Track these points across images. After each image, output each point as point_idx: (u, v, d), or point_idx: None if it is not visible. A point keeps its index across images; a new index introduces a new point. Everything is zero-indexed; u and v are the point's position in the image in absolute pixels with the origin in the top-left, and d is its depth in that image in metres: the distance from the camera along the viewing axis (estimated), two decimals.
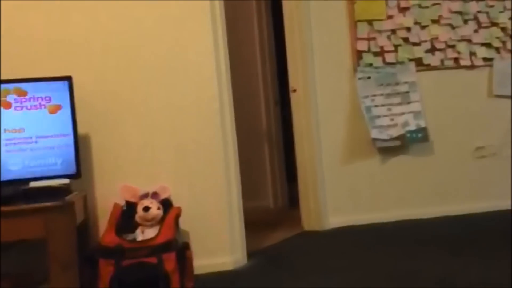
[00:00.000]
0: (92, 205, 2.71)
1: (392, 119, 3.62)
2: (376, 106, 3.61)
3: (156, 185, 2.66)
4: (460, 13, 3.65)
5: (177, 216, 2.62)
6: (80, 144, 2.52)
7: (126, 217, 2.58)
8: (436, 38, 3.64)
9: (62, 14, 2.72)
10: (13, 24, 2.66)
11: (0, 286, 2.47)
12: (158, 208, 2.55)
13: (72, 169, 2.45)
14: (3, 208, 2.18)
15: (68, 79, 2.47)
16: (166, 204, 2.62)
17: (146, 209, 2.51)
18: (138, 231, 2.54)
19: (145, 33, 2.79)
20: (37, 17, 2.70)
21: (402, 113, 3.62)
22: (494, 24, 3.67)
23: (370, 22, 3.59)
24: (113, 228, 2.48)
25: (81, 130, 2.56)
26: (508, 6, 3.67)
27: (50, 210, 2.20)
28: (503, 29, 3.68)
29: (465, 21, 3.66)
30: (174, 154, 2.80)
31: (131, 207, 2.59)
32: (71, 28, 2.73)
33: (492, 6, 3.66)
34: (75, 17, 2.73)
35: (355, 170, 3.64)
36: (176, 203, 2.69)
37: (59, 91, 2.48)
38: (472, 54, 3.67)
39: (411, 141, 3.63)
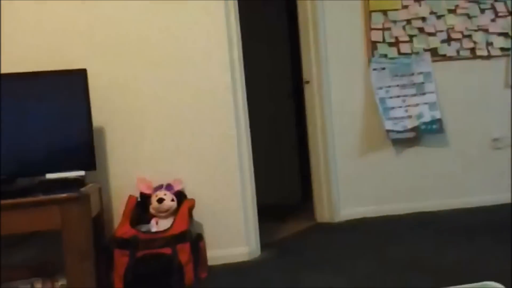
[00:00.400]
0: (107, 197, 2.73)
1: (406, 111, 3.58)
2: (391, 97, 3.58)
3: (170, 178, 2.67)
4: (476, 2, 3.59)
5: (191, 207, 2.64)
6: (95, 136, 2.54)
7: (141, 209, 2.61)
8: (452, 28, 3.59)
9: (78, 6, 2.73)
10: (27, 15, 2.68)
11: None
12: (172, 200, 2.57)
13: (87, 162, 2.48)
14: (20, 200, 2.22)
15: (83, 72, 2.49)
16: (180, 196, 2.64)
17: (160, 200, 2.53)
18: (153, 222, 2.56)
19: (160, 25, 2.79)
20: (53, 8, 2.71)
21: (417, 104, 3.59)
22: (511, 13, 3.61)
23: (385, 12, 3.55)
24: (128, 219, 2.51)
25: (96, 122, 2.58)
26: None
27: (66, 202, 2.22)
28: None
29: (482, 11, 3.60)
30: (188, 146, 2.81)
31: (145, 198, 2.61)
32: (87, 20, 2.74)
33: None
34: (91, 9, 2.74)
35: (369, 162, 3.62)
36: (190, 195, 2.71)
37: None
38: (489, 44, 3.62)
39: (425, 133, 3.59)
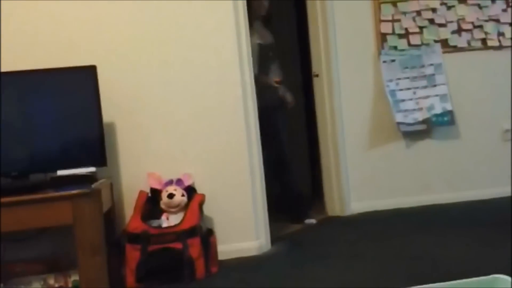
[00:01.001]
0: (118, 192, 2.75)
1: (417, 103, 3.56)
2: (401, 89, 3.56)
3: (181, 173, 2.69)
4: None
5: (201, 202, 2.65)
6: (106, 133, 2.55)
7: (152, 204, 2.63)
8: (463, 19, 3.55)
9: (86, 5, 2.75)
10: (37, 14, 2.70)
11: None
12: (182, 195, 2.59)
13: (98, 158, 2.50)
14: (32, 196, 2.25)
15: (93, 68, 2.50)
16: (190, 191, 2.66)
17: (171, 196, 2.55)
18: (163, 217, 2.58)
19: (169, 23, 2.79)
20: (63, 6, 2.72)
21: (428, 96, 3.56)
22: None
23: (394, 4, 3.52)
24: (139, 214, 2.53)
25: (106, 118, 2.59)
26: None
27: (77, 197, 2.25)
28: None
29: (493, 0, 3.55)
30: (198, 142, 2.82)
31: (156, 194, 2.63)
32: (97, 18, 2.75)
33: None
34: (100, 8, 2.75)
35: (379, 155, 3.61)
36: (200, 190, 2.72)
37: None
38: (500, 34, 3.57)
39: (437, 125, 3.57)
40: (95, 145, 2.50)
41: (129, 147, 2.78)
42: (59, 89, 2.53)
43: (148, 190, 2.66)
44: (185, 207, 2.58)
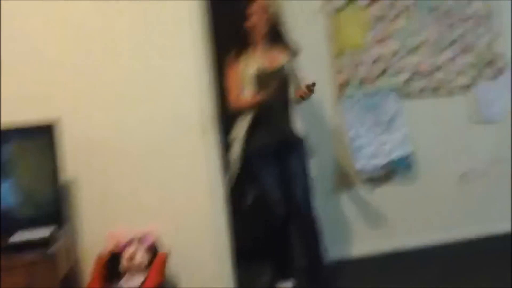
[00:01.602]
0: (79, 251, 2.66)
1: (378, 148, 3.63)
2: (361, 136, 3.63)
3: (144, 227, 2.63)
4: (438, 41, 3.70)
5: (164, 261, 2.59)
6: (65, 191, 2.49)
7: (113, 265, 2.54)
8: (417, 66, 3.68)
9: (47, 55, 2.72)
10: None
11: None
12: (144, 255, 2.52)
13: (56, 218, 2.42)
14: None
15: (51, 126, 2.46)
16: (153, 249, 2.59)
17: (131, 258, 2.48)
18: (125, 278, 2.50)
19: (130, 79, 2.80)
20: (24, 59, 2.69)
21: (387, 142, 3.64)
22: (472, 50, 3.72)
23: (351, 53, 3.62)
24: (97, 279, 2.44)
25: (66, 176, 2.53)
26: (485, 33, 3.74)
27: (32, 264, 2.16)
28: (481, 55, 3.73)
29: (444, 49, 3.71)
30: (160, 196, 2.78)
31: (116, 255, 2.55)
32: (58, 71, 2.73)
33: (469, 33, 3.72)
34: (60, 61, 2.74)
35: (344, 200, 3.63)
36: (166, 242, 2.66)
37: None
38: (453, 80, 3.71)
39: (398, 169, 3.64)
40: (53, 204, 2.43)
41: (91, 204, 2.72)
42: (16, 146, 2.46)
43: (107, 252, 2.58)
44: (148, 267, 2.51)
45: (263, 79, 2.73)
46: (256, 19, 2.77)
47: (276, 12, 2.91)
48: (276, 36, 2.84)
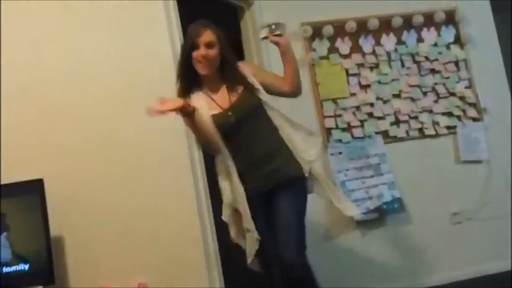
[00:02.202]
0: None
1: (367, 192, 3.66)
2: (350, 180, 3.66)
3: (136, 278, 2.59)
4: (418, 86, 3.82)
5: None
6: (53, 247, 2.46)
7: None
8: (399, 111, 3.78)
9: (30, 115, 2.76)
10: None
11: None
12: None
13: (45, 275, 2.38)
14: None
15: (39, 182, 2.46)
16: None
17: None
18: None
19: (112, 132, 2.83)
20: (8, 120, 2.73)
21: (376, 185, 3.67)
22: (452, 94, 3.85)
23: (334, 100, 3.72)
24: None
25: (54, 233, 2.51)
26: (463, 77, 3.88)
27: None
28: (461, 98, 3.85)
29: (425, 93, 3.83)
30: (149, 248, 2.75)
31: None
32: (44, 130, 2.76)
33: (448, 78, 3.86)
34: (45, 122, 2.77)
35: (336, 246, 3.61)
36: None
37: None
38: (435, 123, 3.81)
39: (388, 212, 3.65)
40: (42, 261, 2.39)
41: (79, 261, 2.67)
42: (3, 204, 2.45)
43: None
44: None
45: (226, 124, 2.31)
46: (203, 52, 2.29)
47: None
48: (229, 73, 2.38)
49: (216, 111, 2.33)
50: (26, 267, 2.39)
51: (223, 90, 2.38)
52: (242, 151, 2.34)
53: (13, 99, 2.73)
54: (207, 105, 2.33)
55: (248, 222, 2.30)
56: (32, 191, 2.45)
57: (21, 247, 2.41)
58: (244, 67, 2.44)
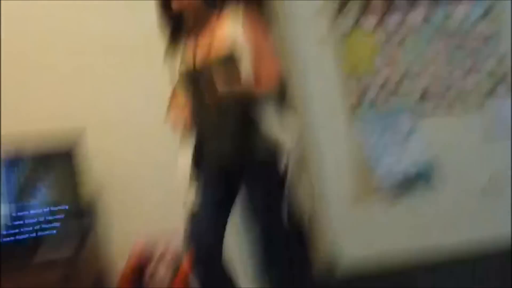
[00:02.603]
0: (106, 262, 2.78)
1: (396, 161, 3.67)
2: (378, 151, 3.68)
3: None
4: (449, 61, 3.76)
5: (186, 279, 2.61)
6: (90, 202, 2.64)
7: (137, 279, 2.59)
8: (428, 86, 3.74)
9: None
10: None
11: None
12: (166, 271, 2.60)
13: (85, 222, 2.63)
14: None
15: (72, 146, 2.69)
16: (176, 263, 2.64)
17: (152, 276, 2.59)
18: None
19: None
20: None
21: (405, 156, 3.67)
22: (482, 70, 3.77)
23: (361, 76, 3.72)
24: None
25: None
26: (494, 52, 3.80)
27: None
28: (492, 74, 3.78)
29: (454, 69, 3.77)
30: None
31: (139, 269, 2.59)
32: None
33: (478, 53, 3.78)
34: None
35: (364, 217, 3.67)
36: None
37: None
38: (464, 100, 3.76)
39: (418, 179, 3.67)
40: (79, 215, 2.56)
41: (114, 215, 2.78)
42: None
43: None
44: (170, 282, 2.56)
45: (194, 80, 1.92)
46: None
47: None
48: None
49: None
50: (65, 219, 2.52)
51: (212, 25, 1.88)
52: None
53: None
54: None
55: None
56: (65, 156, 2.59)
57: (59, 203, 2.56)
58: None
